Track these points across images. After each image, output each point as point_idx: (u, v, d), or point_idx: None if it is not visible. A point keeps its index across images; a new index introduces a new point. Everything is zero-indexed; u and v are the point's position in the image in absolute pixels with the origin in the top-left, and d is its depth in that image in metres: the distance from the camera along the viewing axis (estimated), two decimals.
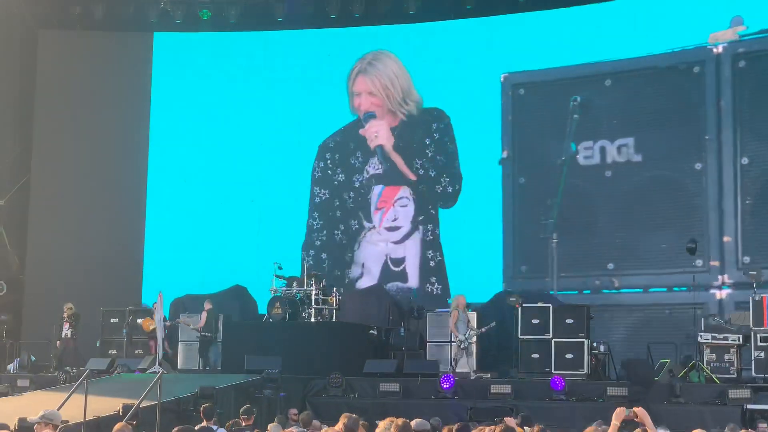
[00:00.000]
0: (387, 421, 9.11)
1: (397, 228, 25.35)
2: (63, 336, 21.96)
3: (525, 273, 23.90)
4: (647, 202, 22.81)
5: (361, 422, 9.71)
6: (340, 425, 9.18)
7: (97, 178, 26.12)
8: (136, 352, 22.43)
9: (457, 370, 19.61)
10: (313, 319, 20.76)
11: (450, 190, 24.94)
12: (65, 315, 21.97)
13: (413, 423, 8.74)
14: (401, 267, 24.91)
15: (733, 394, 16.90)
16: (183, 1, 26.10)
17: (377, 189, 25.61)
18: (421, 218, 25.11)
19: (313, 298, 20.88)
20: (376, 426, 8.90)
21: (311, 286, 20.99)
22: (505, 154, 24.38)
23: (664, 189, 22.82)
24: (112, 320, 22.96)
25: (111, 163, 26.23)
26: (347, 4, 25.18)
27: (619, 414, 8.67)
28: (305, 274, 21.34)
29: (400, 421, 8.51)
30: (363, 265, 25.29)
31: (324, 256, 25.57)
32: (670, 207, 22.66)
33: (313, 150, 26.11)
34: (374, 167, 25.69)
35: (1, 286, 24.23)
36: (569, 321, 19.65)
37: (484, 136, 24.60)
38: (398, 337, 21.50)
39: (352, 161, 25.84)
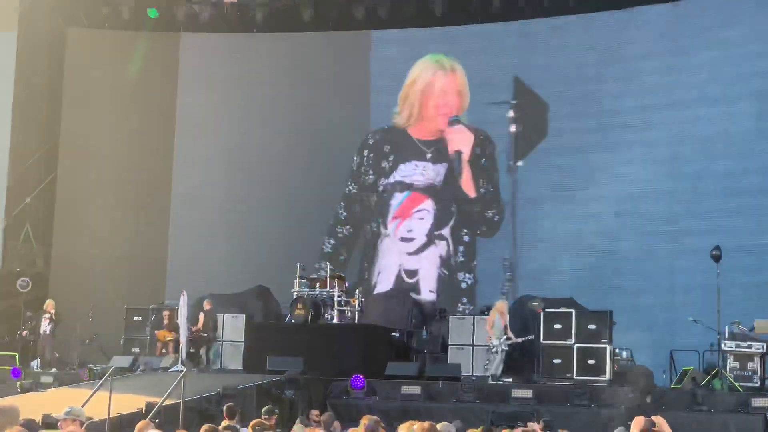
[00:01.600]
0: (408, 423, 9.12)
1: (411, 239, 25.22)
2: (42, 332, 22.52)
3: None
4: None
5: (381, 425, 9.72)
6: (361, 427, 9.21)
7: (122, 176, 26.30)
8: (161, 350, 22.51)
9: (493, 372, 19.43)
10: (335, 321, 20.77)
11: (496, 219, 24.72)
12: (47, 311, 22.47)
13: (439, 426, 8.74)
14: (414, 279, 24.82)
15: (756, 402, 16.81)
16: (210, 2, 26.26)
17: (398, 197, 25.47)
18: (437, 233, 24.90)
19: (335, 299, 20.90)
20: (396, 429, 8.91)
21: (334, 287, 21.00)
22: None
23: None
24: (135, 318, 23.06)
25: (136, 161, 26.39)
26: None
27: (638, 422, 8.66)
28: (328, 276, 21.31)
29: (426, 424, 8.51)
30: (378, 272, 25.27)
31: (342, 252, 25.65)
32: None
33: (341, 152, 26.16)
34: (402, 174, 25.51)
35: (26, 283, 24.36)
36: (592, 327, 19.57)
37: None
38: (420, 340, 21.49)
39: (383, 164, 25.77)
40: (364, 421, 9.25)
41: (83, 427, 9.47)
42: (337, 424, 14.24)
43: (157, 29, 26.79)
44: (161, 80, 26.90)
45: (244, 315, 21.84)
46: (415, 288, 24.77)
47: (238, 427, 12.24)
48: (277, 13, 26.40)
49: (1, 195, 25.20)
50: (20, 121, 25.51)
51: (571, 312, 19.83)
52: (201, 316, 21.59)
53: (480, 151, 25.07)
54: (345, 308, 20.98)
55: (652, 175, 23.36)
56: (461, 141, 25.03)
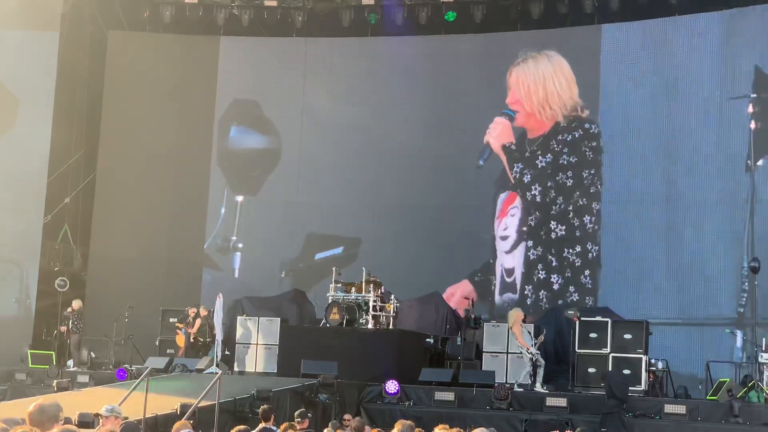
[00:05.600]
0: (441, 427, 9.13)
1: (506, 237, 24.99)
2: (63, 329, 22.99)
3: None
4: None
5: (416, 429, 9.72)
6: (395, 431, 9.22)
7: (160, 178, 26.48)
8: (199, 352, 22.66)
9: (521, 382, 19.35)
10: (370, 326, 20.77)
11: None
12: (69, 310, 22.84)
13: None
14: (512, 278, 24.66)
15: None
16: (250, 6, 26.42)
17: (501, 196, 25.20)
18: (524, 228, 24.69)
19: (371, 304, 20.90)
20: None
21: (369, 292, 21.00)
22: None
23: None
24: (171, 320, 23.22)
25: (175, 163, 26.56)
26: None
27: None
28: (364, 280, 21.31)
29: (455, 430, 8.51)
30: (495, 275, 25.05)
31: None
32: None
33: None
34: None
35: (64, 283, 24.55)
36: (627, 336, 19.48)
37: None
38: (455, 347, 21.46)
39: None
40: (399, 426, 9.25)
41: (119, 426, 9.55)
42: (368, 429, 14.23)
43: (197, 32, 26.97)
44: (200, 83, 27.04)
45: (279, 318, 21.90)
46: (513, 287, 24.65)
47: (274, 429, 12.32)
48: (316, 18, 26.51)
49: (40, 195, 25.40)
50: (61, 122, 25.73)
51: (607, 321, 19.74)
52: (197, 321, 21.93)
53: (517, 145, 24.98)
54: (380, 313, 20.98)
55: None
56: (489, 132, 25.15)
